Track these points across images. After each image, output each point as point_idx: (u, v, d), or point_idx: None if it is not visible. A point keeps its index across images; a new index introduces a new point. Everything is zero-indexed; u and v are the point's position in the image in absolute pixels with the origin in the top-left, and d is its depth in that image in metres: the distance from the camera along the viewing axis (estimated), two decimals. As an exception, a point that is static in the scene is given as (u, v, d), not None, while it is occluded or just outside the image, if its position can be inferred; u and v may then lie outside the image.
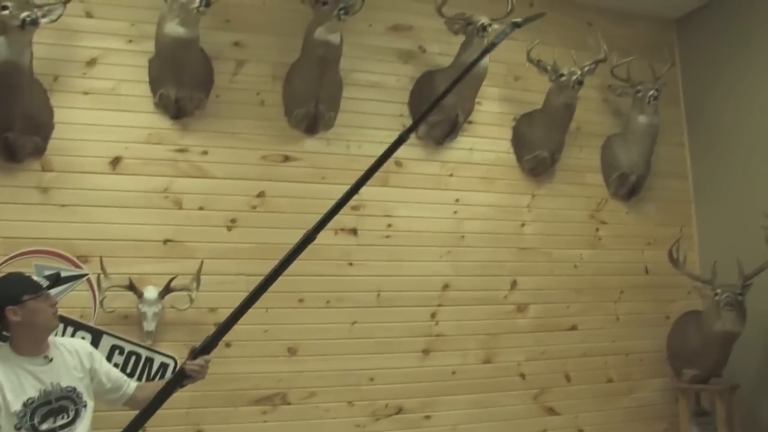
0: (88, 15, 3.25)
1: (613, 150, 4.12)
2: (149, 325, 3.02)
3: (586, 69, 3.73)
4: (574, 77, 3.62)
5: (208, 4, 3.02)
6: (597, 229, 4.07)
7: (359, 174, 3.44)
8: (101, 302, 2.99)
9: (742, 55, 4.07)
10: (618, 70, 3.98)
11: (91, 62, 3.22)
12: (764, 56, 3.93)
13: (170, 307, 3.08)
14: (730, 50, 4.15)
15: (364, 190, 3.44)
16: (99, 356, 2.50)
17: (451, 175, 3.77)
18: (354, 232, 3.52)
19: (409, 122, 3.69)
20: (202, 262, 3.11)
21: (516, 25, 2.45)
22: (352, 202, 3.41)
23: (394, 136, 3.66)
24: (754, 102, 3.98)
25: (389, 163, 3.57)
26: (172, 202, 3.24)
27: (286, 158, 3.47)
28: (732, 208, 4.07)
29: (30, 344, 2.29)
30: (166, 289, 3.05)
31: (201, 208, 3.28)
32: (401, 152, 3.60)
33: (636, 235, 4.16)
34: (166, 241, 3.20)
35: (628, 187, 4.11)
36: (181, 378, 2.19)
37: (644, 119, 3.97)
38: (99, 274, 2.99)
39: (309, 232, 2.08)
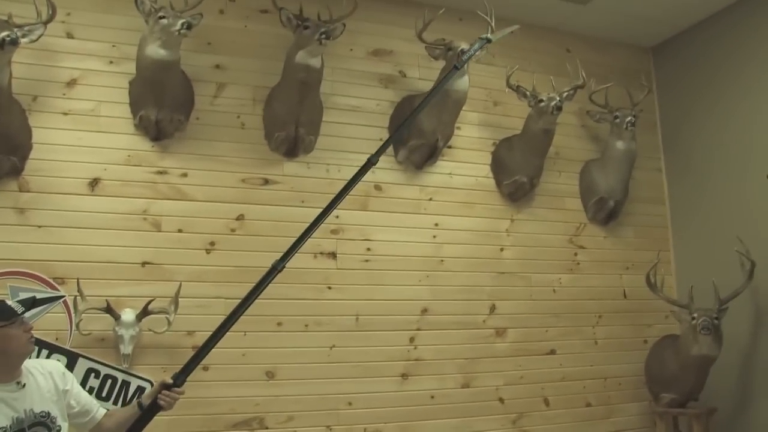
0: (69, 36, 3.31)
1: (591, 175, 4.24)
2: (126, 348, 3.04)
3: (565, 95, 3.84)
4: (553, 103, 3.71)
5: (189, 27, 3.10)
6: (575, 254, 4.16)
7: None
8: (77, 324, 3.00)
9: (716, 82, 4.21)
10: (596, 97, 4.12)
11: (71, 83, 3.27)
12: (737, 83, 4.06)
13: (147, 330, 3.10)
14: (705, 77, 4.29)
15: (343, 213, 3.59)
16: (71, 378, 2.48)
17: (430, 200, 3.86)
18: (333, 255, 3.58)
19: (389, 147, 3.80)
20: (180, 285, 3.14)
21: (487, 41, 2.51)
22: (331, 226, 3.56)
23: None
24: (728, 128, 4.10)
25: (369, 187, 3.74)
26: (151, 224, 3.28)
27: (266, 181, 3.53)
28: (708, 233, 4.17)
29: (2, 371, 2.24)
30: (144, 312, 3.07)
31: (180, 231, 3.32)
32: (381, 176, 3.77)
33: (614, 260, 4.26)
34: (144, 264, 3.23)
35: (606, 212, 4.21)
36: (154, 412, 2.19)
37: (622, 145, 4.08)
38: (75, 296, 3.00)
39: (276, 263, 2.12)
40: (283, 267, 2.14)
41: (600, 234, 4.26)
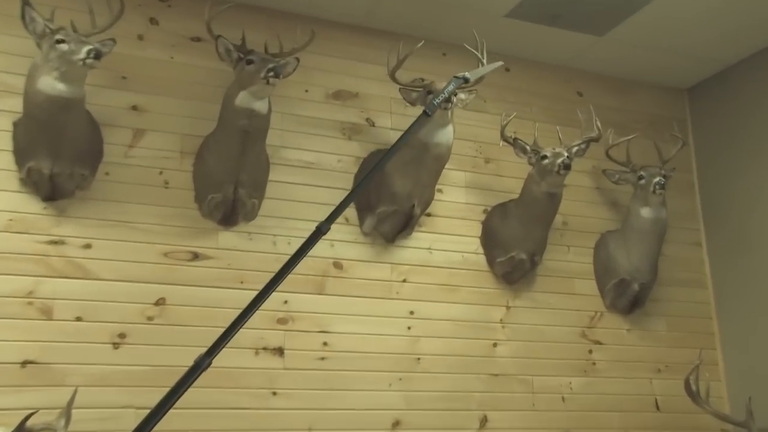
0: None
1: (609, 251, 4.41)
2: (-7, 482, 2.95)
3: (575, 150, 4.03)
4: (560, 160, 3.83)
5: (98, 56, 3.08)
6: (590, 351, 4.29)
7: (288, 277, 3.59)
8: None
9: (773, 134, 4.34)
10: (615, 152, 4.27)
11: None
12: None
13: (27, 455, 3.07)
14: (758, 125, 4.41)
15: (293, 298, 3.70)
16: None
17: (404, 281, 3.98)
18: (280, 352, 3.65)
19: (353, 213, 3.95)
20: (75, 391, 3.06)
21: (463, 80, 2.63)
22: (277, 314, 3.67)
23: (333, 230, 3.88)
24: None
25: (326, 265, 3.87)
26: (38, 311, 3.30)
27: (195, 256, 3.62)
28: (768, 326, 4.23)
29: None
30: (21, 430, 3.00)
31: (79, 319, 3.35)
32: (342, 251, 3.92)
33: (641, 360, 4.38)
34: (25, 363, 3.22)
35: (629, 297, 4.35)
36: None
37: (648, 212, 4.22)
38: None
39: (200, 358, 2.01)
40: (209, 364, 2.05)
41: (622, 326, 4.41)
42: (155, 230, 3.59)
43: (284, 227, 3.80)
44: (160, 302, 3.51)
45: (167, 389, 2.12)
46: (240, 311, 2.38)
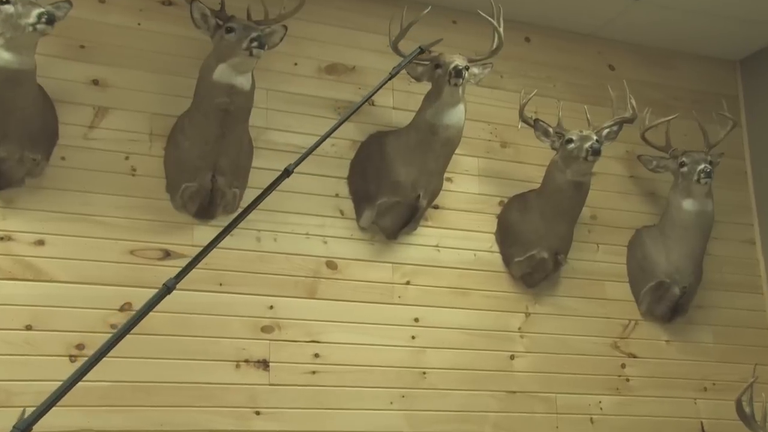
0: None
1: (645, 249, 4.46)
2: None
3: (606, 132, 4.06)
4: (588, 144, 3.87)
5: (50, 21, 3.05)
6: (623, 366, 4.34)
7: (274, 279, 3.65)
8: None
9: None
10: (652, 134, 4.31)
11: None
12: None
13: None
14: None
15: (280, 302, 3.75)
16: None
17: (407, 284, 4.03)
18: (264, 365, 3.69)
19: (348, 204, 4.01)
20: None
21: (419, 50, 2.76)
22: (262, 321, 3.71)
23: (326, 224, 3.95)
24: None
25: (318, 264, 3.92)
26: (-19, 318, 3.32)
27: (166, 254, 3.67)
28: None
29: None
30: None
31: (28, 328, 3.37)
32: (335, 248, 3.97)
33: (683, 376, 4.42)
34: None
35: (668, 303, 4.40)
36: None
37: (692, 205, 4.26)
38: None
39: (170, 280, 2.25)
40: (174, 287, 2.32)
41: (660, 336, 4.46)
42: (120, 224, 3.62)
43: (270, 221, 3.84)
44: (125, 308, 3.54)
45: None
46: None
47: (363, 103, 2.81)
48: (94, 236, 3.58)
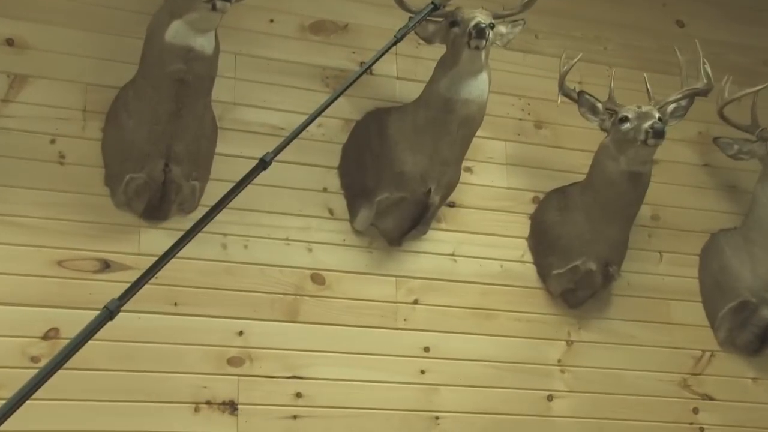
0: None
1: (723, 260, 4.47)
2: None
3: (672, 108, 4.06)
4: (648, 124, 3.85)
5: None
6: (695, 410, 4.34)
7: (244, 297, 3.67)
8: None
9: None
10: (733, 110, 4.31)
11: None
12: None
13: None
14: None
15: (252, 327, 3.76)
16: None
17: (415, 303, 4.05)
18: (231, 407, 3.69)
19: (340, 201, 4.02)
20: None
21: (433, 6, 2.76)
22: (229, 351, 3.73)
23: (311, 227, 3.97)
24: None
25: (301, 278, 3.96)
26: None
27: (105, 266, 3.67)
28: None
29: None
30: None
31: None
32: (323, 257, 4.00)
33: (776, 424, 4.45)
34: None
35: (755, 330, 4.41)
36: None
37: None
38: None
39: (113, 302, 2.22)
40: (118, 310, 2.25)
41: (745, 373, 4.47)
42: (44, 227, 3.63)
43: (239, 223, 3.86)
44: (50, 335, 3.54)
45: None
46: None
47: (361, 74, 2.81)
48: (10, 242, 3.58)
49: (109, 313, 2.26)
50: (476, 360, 4.08)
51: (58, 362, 2.15)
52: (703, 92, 4.10)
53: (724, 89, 4.29)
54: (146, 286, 3.69)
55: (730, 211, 4.62)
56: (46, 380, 2.18)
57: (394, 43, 2.95)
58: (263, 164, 2.57)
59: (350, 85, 2.76)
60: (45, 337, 3.53)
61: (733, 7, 4.86)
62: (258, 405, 3.74)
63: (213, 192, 3.80)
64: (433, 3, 3.00)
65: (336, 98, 2.78)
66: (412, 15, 3.59)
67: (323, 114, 3.94)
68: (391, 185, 3.94)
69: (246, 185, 2.52)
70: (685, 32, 4.63)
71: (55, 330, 3.54)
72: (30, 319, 3.53)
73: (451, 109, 3.79)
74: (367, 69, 2.80)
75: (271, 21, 4.09)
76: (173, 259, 3.53)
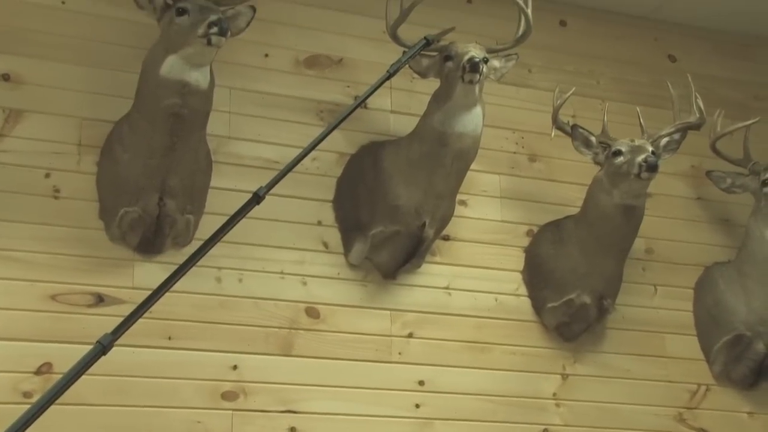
0: None
1: (718, 293, 4.45)
2: None
3: (665, 142, 4.07)
4: (641, 158, 3.84)
5: None
6: (691, 445, 4.34)
7: (238, 331, 3.65)
8: None
9: None
10: (726, 144, 4.32)
11: None
12: None
13: None
14: None
15: (246, 360, 3.74)
16: None
17: (409, 337, 4.03)
18: (223, 444, 3.70)
19: (334, 235, 4.02)
20: None
21: (425, 42, 2.75)
22: (223, 385, 3.70)
23: (305, 260, 3.96)
24: None
25: (295, 312, 3.93)
26: None
27: (99, 300, 3.64)
28: None
29: None
30: None
31: None
32: (318, 291, 3.98)
33: (773, 463, 4.42)
34: None
35: (751, 363, 4.38)
36: None
37: None
38: None
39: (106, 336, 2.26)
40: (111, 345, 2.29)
41: (740, 407, 4.44)
42: (38, 261, 3.60)
43: (234, 257, 3.84)
44: (43, 370, 3.51)
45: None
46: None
47: (355, 108, 2.80)
48: (3, 277, 3.56)
49: (102, 347, 2.26)
50: (471, 394, 4.05)
51: (51, 397, 2.15)
52: (696, 126, 4.12)
53: (716, 123, 4.30)
54: (140, 320, 3.66)
55: (723, 244, 4.61)
56: (39, 416, 2.17)
57: (387, 78, 2.96)
58: (257, 198, 2.64)
59: (344, 119, 2.78)
60: (38, 372, 3.50)
61: (724, 42, 4.87)
62: (251, 440, 3.73)
63: (208, 225, 3.77)
64: (425, 38, 3.01)
65: (329, 132, 2.79)
66: (406, 49, 3.64)
67: (318, 148, 3.96)
68: (385, 219, 3.93)
69: (239, 219, 2.52)
70: (677, 67, 4.64)
71: (48, 365, 3.51)
72: (22, 353, 3.50)
73: (445, 143, 3.78)
74: (360, 103, 2.81)
75: (266, 55, 4.09)
76: (167, 293, 3.52)
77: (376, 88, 2.89)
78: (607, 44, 4.61)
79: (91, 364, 2.25)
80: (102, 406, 3.51)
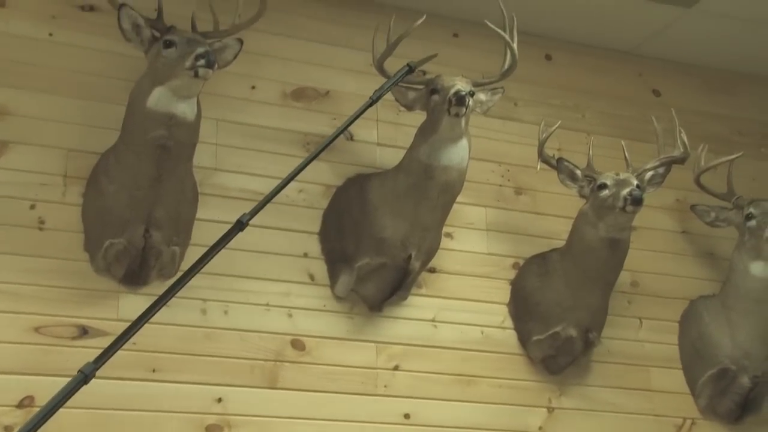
0: None
1: (702, 326, 4.46)
2: None
3: (650, 175, 4.09)
4: (626, 191, 3.86)
5: None
6: (677, 481, 4.33)
7: (223, 363, 3.64)
8: None
9: None
10: (709, 179, 4.34)
11: None
12: None
13: None
14: None
15: (230, 393, 3.72)
16: None
17: (395, 369, 4.02)
18: (207, 480, 3.67)
19: (320, 267, 4.01)
20: None
21: (408, 70, 2.75)
22: (207, 418, 3.67)
23: (291, 293, 3.96)
24: None
25: (281, 344, 3.91)
26: None
27: (83, 332, 3.62)
28: None
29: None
30: None
31: None
32: (303, 323, 3.98)
33: (759, 498, 4.41)
34: None
35: (735, 397, 4.38)
36: None
37: (763, 269, 4.24)
38: None
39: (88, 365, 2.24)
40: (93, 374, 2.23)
41: (726, 442, 4.45)
42: (22, 293, 3.59)
43: (219, 288, 3.83)
44: (25, 403, 3.49)
45: None
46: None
47: (336, 136, 2.80)
48: (-13, 309, 3.57)
49: (84, 377, 2.23)
50: (457, 427, 4.04)
51: (31, 429, 2.11)
52: (680, 160, 4.15)
53: (700, 157, 4.32)
54: (124, 352, 3.65)
55: (708, 277, 4.62)
56: (17, 451, 2.13)
57: (370, 105, 2.97)
58: (240, 225, 2.61)
59: (328, 144, 2.79)
60: (20, 405, 3.48)
61: (708, 77, 4.90)
62: (235, 477, 3.70)
63: (193, 257, 3.66)
64: (408, 65, 3.02)
65: (314, 157, 2.79)
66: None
67: (305, 180, 4.01)
68: (371, 251, 3.93)
69: (222, 247, 2.53)
70: (661, 101, 4.67)
71: (30, 398, 3.49)
72: (4, 386, 3.47)
73: (431, 176, 3.79)
74: (342, 131, 2.83)
75: (253, 87, 4.09)
76: (152, 325, 3.50)
77: (358, 115, 2.90)
78: (592, 78, 4.64)
79: (73, 393, 2.22)
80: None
